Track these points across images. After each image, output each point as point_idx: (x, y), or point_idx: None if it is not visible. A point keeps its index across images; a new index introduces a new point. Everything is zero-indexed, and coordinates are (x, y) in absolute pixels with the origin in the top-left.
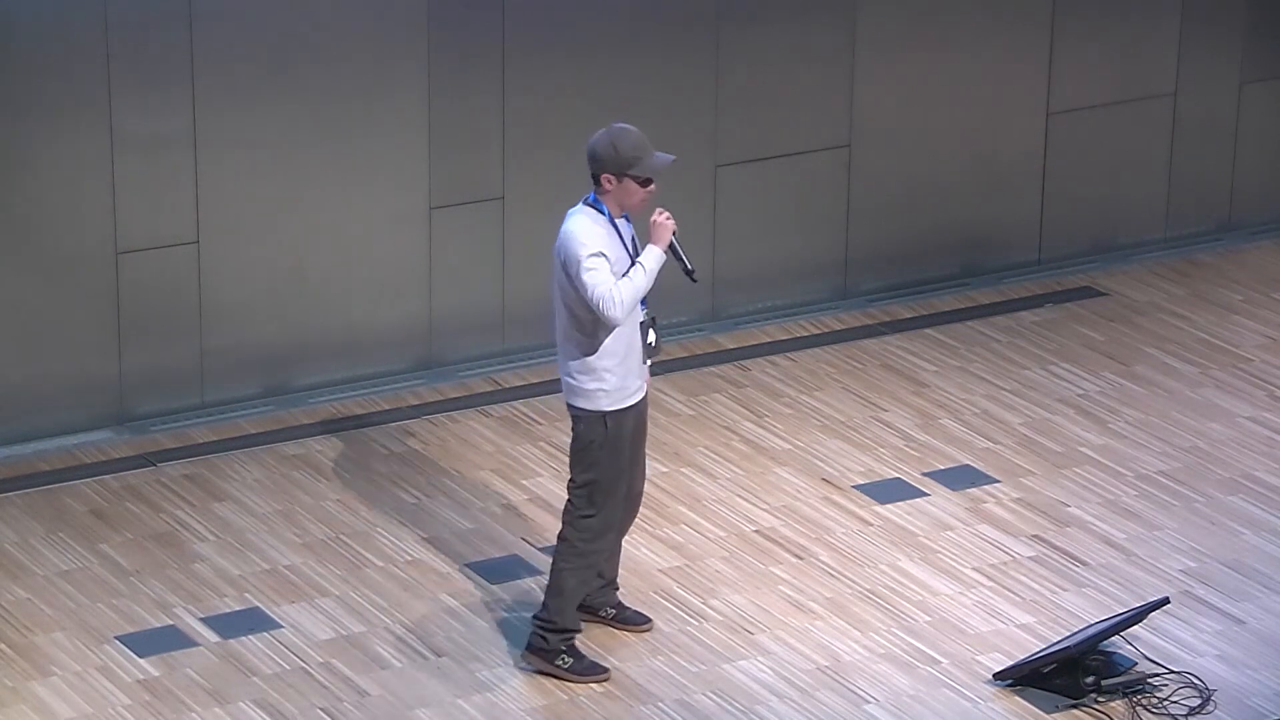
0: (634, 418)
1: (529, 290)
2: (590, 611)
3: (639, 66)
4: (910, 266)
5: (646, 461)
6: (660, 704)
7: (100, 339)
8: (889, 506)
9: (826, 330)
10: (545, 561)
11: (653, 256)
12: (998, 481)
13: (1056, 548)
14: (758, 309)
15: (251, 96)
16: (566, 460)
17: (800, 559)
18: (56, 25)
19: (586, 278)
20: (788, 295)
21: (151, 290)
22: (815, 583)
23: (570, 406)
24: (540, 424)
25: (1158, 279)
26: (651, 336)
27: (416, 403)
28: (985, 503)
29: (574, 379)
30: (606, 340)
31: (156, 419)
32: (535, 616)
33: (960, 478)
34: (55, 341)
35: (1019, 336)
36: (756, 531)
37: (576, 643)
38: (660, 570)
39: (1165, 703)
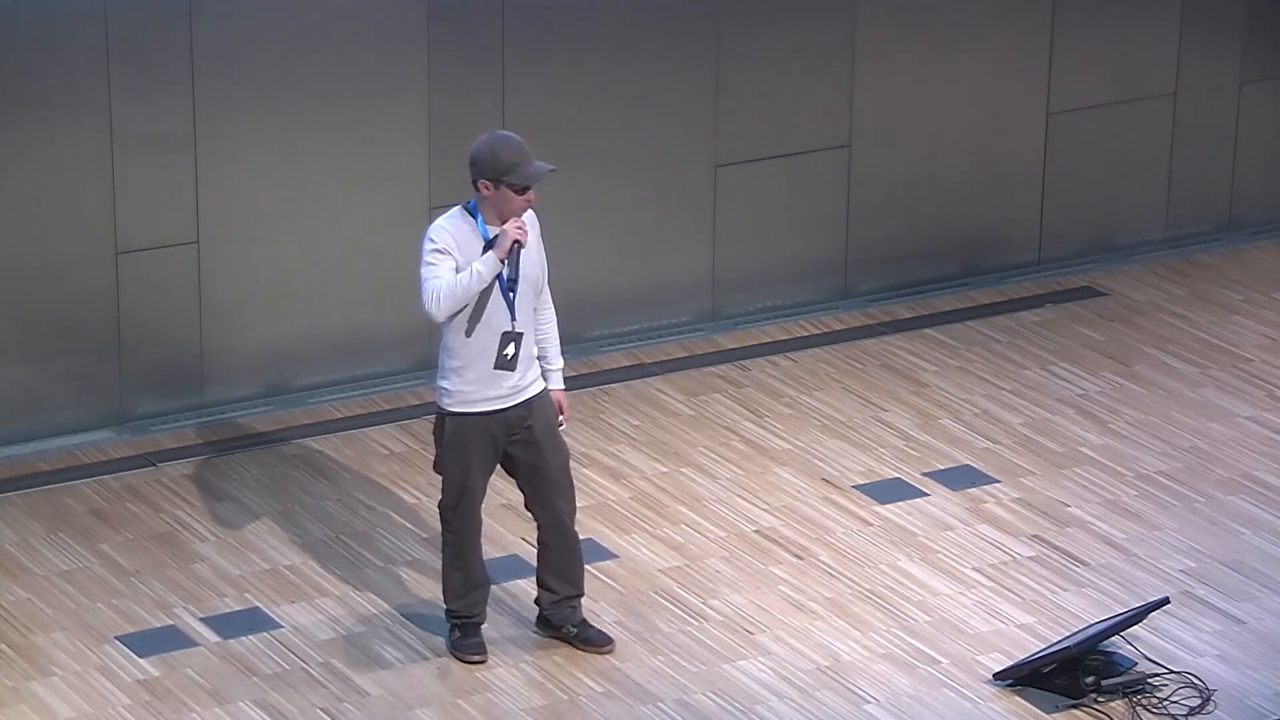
0: (494, 431)
1: None
2: (553, 628)
3: (639, 66)
4: (910, 266)
5: (643, 462)
6: (660, 704)
7: (100, 339)
8: (889, 506)
9: (826, 330)
10: None
11: (487, 263)
12: (998, 481)
13: (1056, 548)
14: (758, 309)
15: (251, 96)
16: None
17: (800, 559)
18: (56, 25)
19: (422, 270)
20: (788, 295)
21: (151, 290)
22: (815, 583)
23: None
24: None
25: (1158, 279)
26: (510, 349)
27: (416, 403)
28: (985, 503)
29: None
30: (455, 342)
31: (156, 419)
32: None
33: (960, 478)
34: (55, 341)
35: (1019, 336)
36: (756, 531)
37: (486, 621)
38: (660, 570)
39: (1165, 703)
